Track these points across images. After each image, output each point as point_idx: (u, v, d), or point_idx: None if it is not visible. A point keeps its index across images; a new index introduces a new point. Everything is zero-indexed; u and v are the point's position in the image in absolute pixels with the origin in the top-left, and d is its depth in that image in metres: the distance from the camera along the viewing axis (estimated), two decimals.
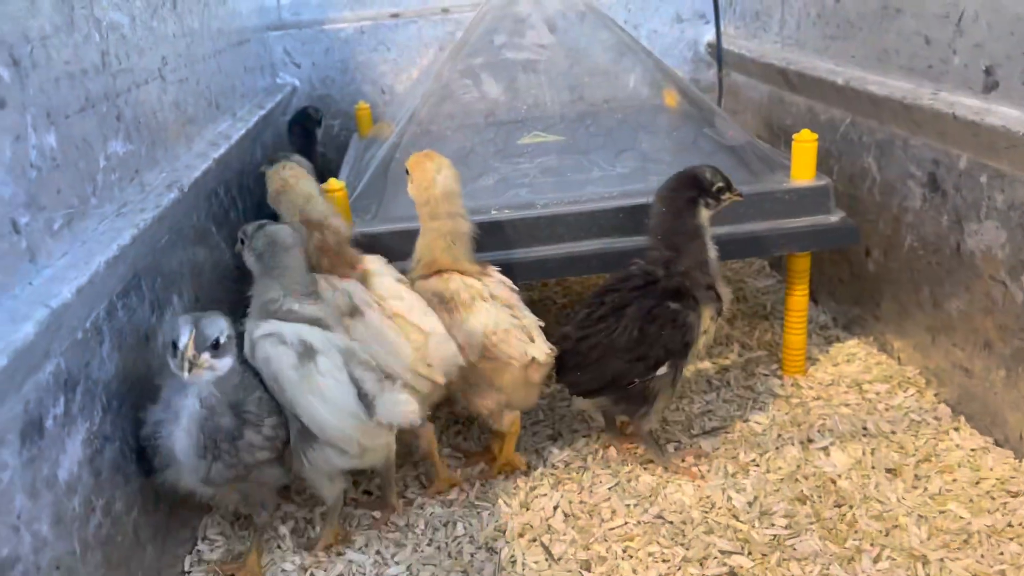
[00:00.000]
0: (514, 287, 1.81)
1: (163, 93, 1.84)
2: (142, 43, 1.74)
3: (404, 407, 1.51)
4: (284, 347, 1.52)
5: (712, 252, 1.78)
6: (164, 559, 1.57)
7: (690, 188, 1.75)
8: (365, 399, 1.51)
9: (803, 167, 2.00)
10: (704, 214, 1.76)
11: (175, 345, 1.36)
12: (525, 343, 1.72)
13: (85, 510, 1.27)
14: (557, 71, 2.32)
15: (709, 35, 3.22)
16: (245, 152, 2.37)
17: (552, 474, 1.86)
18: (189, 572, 1.65)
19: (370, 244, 1.93)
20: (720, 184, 1.75)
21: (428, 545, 1.68)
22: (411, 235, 1.93)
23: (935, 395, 2.01)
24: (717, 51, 2.85)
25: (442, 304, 1.73)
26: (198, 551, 1.71)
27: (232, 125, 2.31)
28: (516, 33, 2.30)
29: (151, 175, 1.72)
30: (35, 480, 1.14)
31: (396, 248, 1.93)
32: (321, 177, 2.11)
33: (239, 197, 2.32)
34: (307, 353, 1.51)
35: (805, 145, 1.99)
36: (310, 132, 2.89)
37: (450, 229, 1.75)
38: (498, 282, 1.79)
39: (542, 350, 1.72)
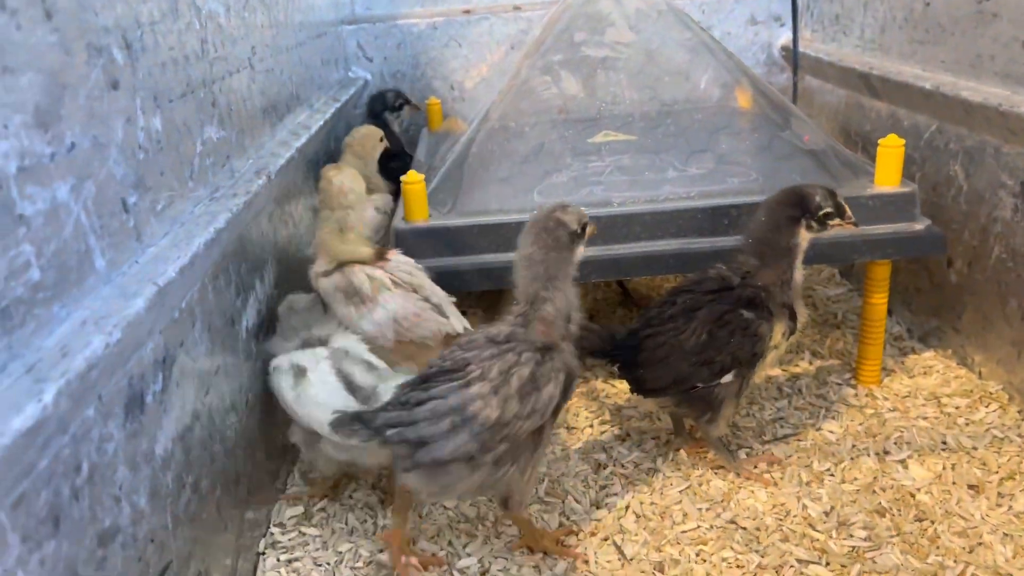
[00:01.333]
0: (418, 266, 1.85)
1: (252, 82, 1.87)
2: (235, 32, 1.78)
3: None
4: (283, 374, 1.66)
5: (799, 274, 1.75)
6: (242, 539, 1.59)
7: (795, 207, 1.71)
8: (360, 391, 1.61)
9: (888, 172, 1.96)
10: (803, 235, 1.72)
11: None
12: (438, 321, 1.78)
13: (177, 486, 1.30)
14: (636, 69, 2.31)
15: (783, 38, 3.17)
16: (321, 143, 2.40)
17: (622, 474, 1.85)
18: (263, 553, 1.68)
19: (447, 237, 1.94)
20: (829, 209, 1.69)
21: (498, 538, 1.68)
22: (488, 229, 1.94)
23: (1019, 412, 1.95)
24: (793, 54, 2.80)
25: (348, 299, 1.78)
26: (271, 533, 1.74)
27: (311, 116, 2.34)
28: (596, 31, 2.29)
29: (240, 161, 1.75)
30: (136, 453, 1.16)
31: (472, 242, 1.94)
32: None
33: (315, 187, 2.35)
34: (300, 373, 1.64)
35: (891, 150, 1.94)
36: (379, 115, 2.92)
37: (340, 218, 1.82)
38: (401, 264, 1.83)
39: (455, 326, 1.79)
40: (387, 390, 1.56)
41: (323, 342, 1.72)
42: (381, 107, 2.98)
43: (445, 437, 1.38)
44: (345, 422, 1.42)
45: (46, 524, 0.93)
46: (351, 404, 1.57)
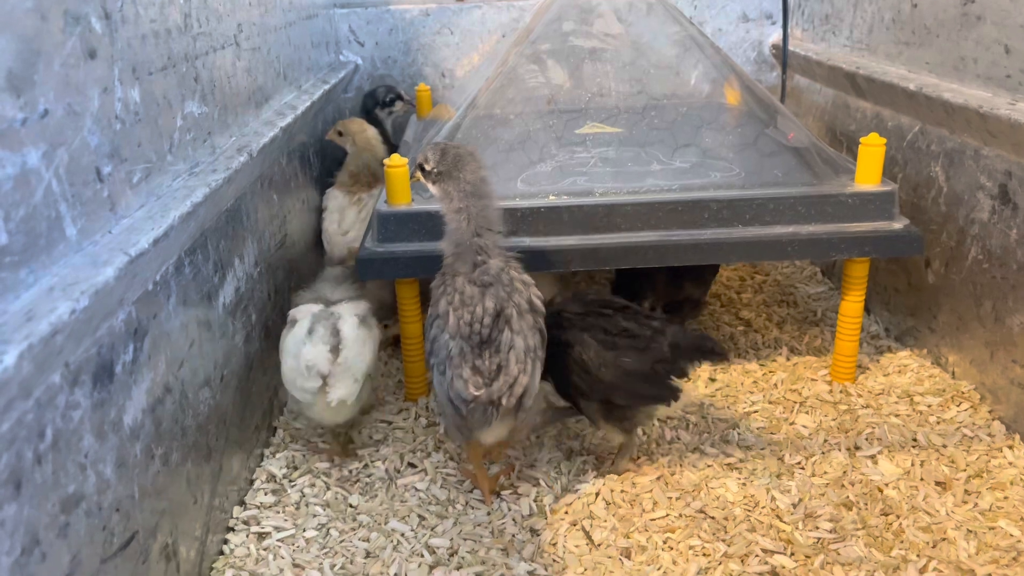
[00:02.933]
0: None
1: (237, 59, 1.87)
2: (221, 9, 1.77)
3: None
4: (286, 326, 1.81)
5: None
6: (212, 514, 1.60)
7: None
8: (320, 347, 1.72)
9: (869, 171, 1.97)
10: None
11: None
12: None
13: (145, 457, 1.30)
14: (623, 62, 2.31)
15: (773, 36, 3.19)
16: (308, 124, 2.40)
17: (595, 462, 1.86)
18: (233, 528, 1.68)
19: (428, 222, 1.95)
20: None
21: (469, 521, 1.69)
22: None
23: (989, 411, 1.97)
24: (783, 53, 2.81)
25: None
26: (242, 509, 1.74)
27: (298, 97, 2.34)
28: (585, 21, 2.30)
29: (222, 138, 1.75)
30: (103, 423, 1.17)
31: None
32: None
33: (300, 168, 2.35)
34: (291, 324, 1.79)
35: (872, 149, 1.96)
36: (370, 112, 2.92)
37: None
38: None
39: None
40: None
41: (331, 303, 1.83)
42: (372, 104, 2.97)
43: (534, 372, 1.59)
44: (478, 410, 1.57)
45: (7, 487, 0.94)
46: (305, 356, 1.69)
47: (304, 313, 1.78)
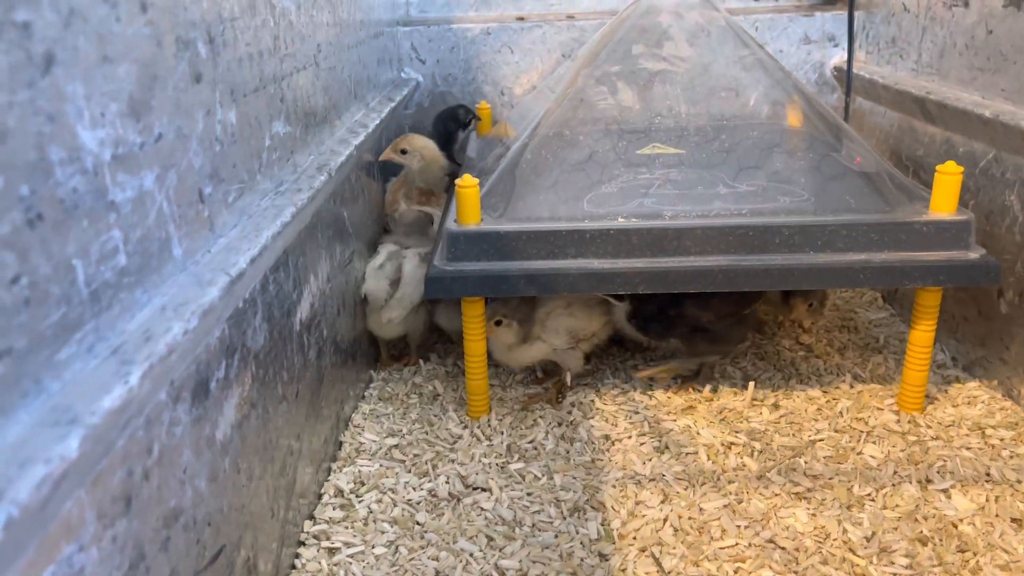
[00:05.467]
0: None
1: (316, 79, 1.91)
2: (304, 30, 1.81)
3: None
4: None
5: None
6: (286, 528, 1.62)
7: None
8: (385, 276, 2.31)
9: (944, 199, 1.95)
10: None
11: None
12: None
13: (233, 472, 1.32)
14: (692, 84, 2.31)
15: (835, 58, 3.16)
16: (375, 142, 2.43)
17: (661, 488, 1.86)
18: (304, 543, 1.70)
19: (497, 241, 1.96)
20: None
21: (537, 543, 1.69)
22: (538, 236, 1.96)
23: None
24: (847, 75, 2.79)
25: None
26: (314, 517, 1.76)
27: (366, 114, 2.37)
28: (655, 44, 2.30)
29: (302, 156, 1.78)
30: (199, 438, 1.19)
31: (522, 247, 1.96)
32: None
33: (366, 186, 2.38)
34: (376, 254, 2.37)
35: (949, 177, 1.93)
36: (451, 133, 2.95)
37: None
38: None
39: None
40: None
41: (405, 246, 2.42)
42: (455, 125, 2.99)
43: None
44: None
45: (119, 503, 0.96)
46: (374, 279, 2.30)
47: (385, 249, 2.36)
